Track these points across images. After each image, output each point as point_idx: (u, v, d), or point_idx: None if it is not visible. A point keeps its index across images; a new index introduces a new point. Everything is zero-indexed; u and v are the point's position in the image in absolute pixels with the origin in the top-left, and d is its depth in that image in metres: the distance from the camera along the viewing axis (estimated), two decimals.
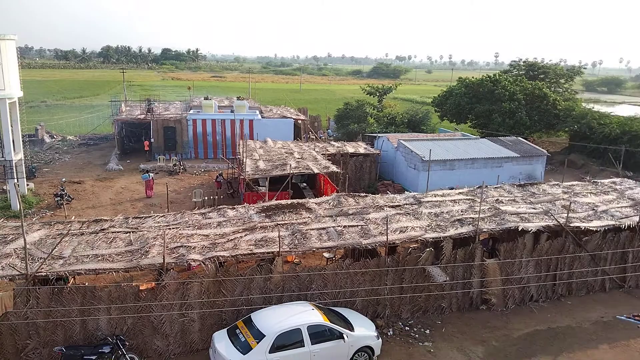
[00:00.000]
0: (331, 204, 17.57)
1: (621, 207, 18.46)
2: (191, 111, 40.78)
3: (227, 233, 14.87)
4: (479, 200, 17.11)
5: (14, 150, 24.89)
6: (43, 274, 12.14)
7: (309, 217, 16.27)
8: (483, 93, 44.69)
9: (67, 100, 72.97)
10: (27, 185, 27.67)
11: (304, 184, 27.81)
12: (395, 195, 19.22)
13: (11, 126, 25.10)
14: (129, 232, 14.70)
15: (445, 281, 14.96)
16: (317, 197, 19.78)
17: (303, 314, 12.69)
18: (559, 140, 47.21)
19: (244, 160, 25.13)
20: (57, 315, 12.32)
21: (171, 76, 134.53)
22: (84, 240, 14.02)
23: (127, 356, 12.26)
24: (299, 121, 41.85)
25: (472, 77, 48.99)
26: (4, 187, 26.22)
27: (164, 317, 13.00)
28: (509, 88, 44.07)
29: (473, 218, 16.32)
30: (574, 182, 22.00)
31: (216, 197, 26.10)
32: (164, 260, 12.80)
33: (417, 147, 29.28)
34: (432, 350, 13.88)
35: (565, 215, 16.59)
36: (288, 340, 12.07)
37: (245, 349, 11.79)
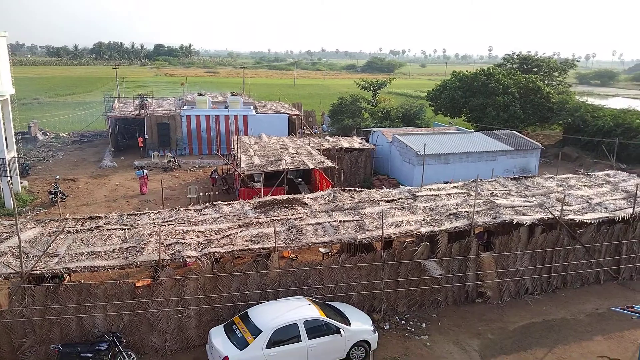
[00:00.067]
0: (327, 199, 17.58)
1: (615, 199, 18.57)
2: (185, 107, 40.60)
3: (222, 229, 14.86)
4: (474, 194, 17.15)
5: (7, 148, 24.74)
6: (38, 272, 12.10)
7: (304, 212, 16.27)
8: (477, 87, 44.77)
9: (60, 97, 72.45)
10: (21, 183, 27.51)
11: (299, 180, 27.81)
12: (391, 190, 19.25)
13: (4, 124, 24.95)
14: (124, 229, 14.66)
15: (440, 275, 15.02)
16: (313, 193, 19.77)
17: (299, 309, 12.71)
18: (552, 133, 47.38)
19: (239, 156, 25.09)
20: (53, 313, 12.28)
21: (164, 72, 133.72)
22: (78, 238, 13.97)
23: (123, 353, 12.26)
24: (294, 116, 41.76)
25: (466, 71, 49.05)
26: None
27: (161, 313, 12.99)
28: (503, 81, 44.17)
29: (468, 212, 16.38)
30: (568, 175, 22.09)
31: (211, 193, 26.04)
32: (159, 257, 12.78)
33: (411, 142, 29.31)
34: (428, 344, 13.95)
35: (560, 208, 16.67)
36: (285, 335, 12.09)
37: (242, 344, 11.81)
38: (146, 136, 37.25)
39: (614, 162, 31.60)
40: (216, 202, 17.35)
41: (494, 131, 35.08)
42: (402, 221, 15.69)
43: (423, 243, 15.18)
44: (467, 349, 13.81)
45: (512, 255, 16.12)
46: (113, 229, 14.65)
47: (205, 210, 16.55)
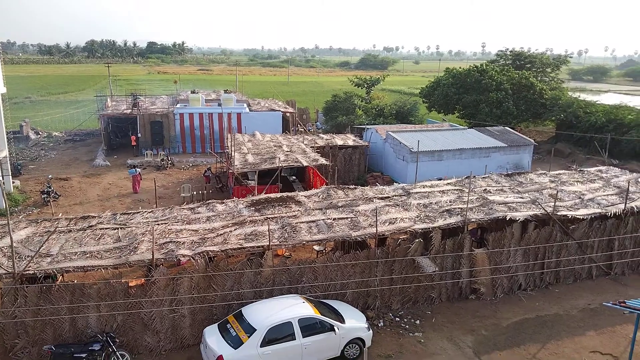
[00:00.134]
0: (320, 196, 17.58)
1: (607, 195, 18.68)
2: (178, 105, 40.40)
3: (216, 228, 14.83)
4: (467, 191, 17.20)
5: None
6: (31, 272, 12.03)
7: (298, 210, 16.26)
8: (470, 83, 44.84)
9: (52, 95, 71.97)
10: (13, 182, 27.32)
11: (293, 177, 27.78)
12: (384, 187, 19.27)
13: None
14: (117, 229, 14.60)
15: (434, 271, 15.06)
16: (307, 190, 19.75)
17: (294, 307, 12.71)
18: (545, 129, 47.58)
19: (233, 154, 25.01)
20: (46, 313, 12.23)
21: (157, 70, 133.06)
22: (71, 238, 13.90)
23: (117, 353, 12.22)
24: (287, 114, 41.68)
25: (460, 68, 49.08)
26: None
27: (154, 313, 12.96)
28: (496, 78, 44.27)
29: (461, 208, 16.43)
30: (561, 171, 22.22)
31: (205, 191, 25.97)
32: (153, 256, 12.74)
33: (405, 139, 29.35)
34: (422, 341, 14.00)
35: (553, 204, 16.75)
36: (279, 333, 12.10)
37: (236, 343, 11.80)
38: (139, 135, 37.05)
39: (606, 158, 31.77)
40: (210, 201, 17.31)
41: (487, 128, 35.14)
42: (395, 218, 15.72)
43: (417, 240, 15.21)
44: (460, 345, 13.87)
45: (505, 252, 16.18)
46: (106, 229, 14.59)
47: (199, 208, 16.51)
